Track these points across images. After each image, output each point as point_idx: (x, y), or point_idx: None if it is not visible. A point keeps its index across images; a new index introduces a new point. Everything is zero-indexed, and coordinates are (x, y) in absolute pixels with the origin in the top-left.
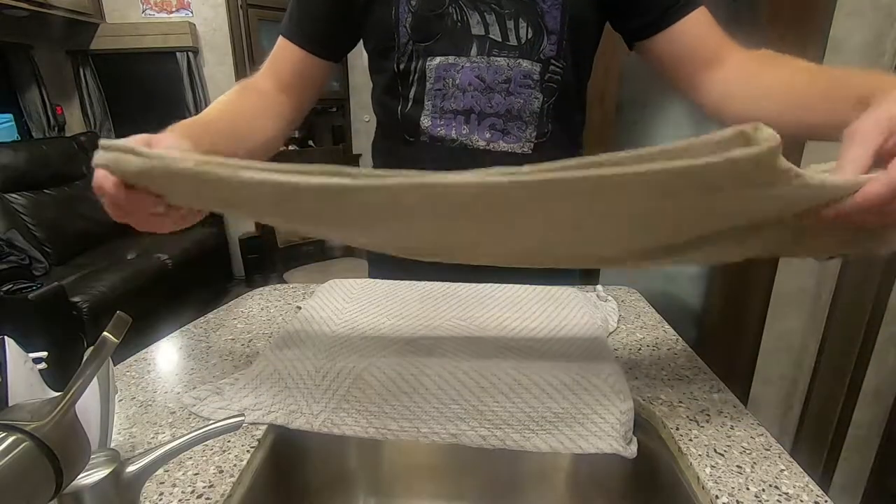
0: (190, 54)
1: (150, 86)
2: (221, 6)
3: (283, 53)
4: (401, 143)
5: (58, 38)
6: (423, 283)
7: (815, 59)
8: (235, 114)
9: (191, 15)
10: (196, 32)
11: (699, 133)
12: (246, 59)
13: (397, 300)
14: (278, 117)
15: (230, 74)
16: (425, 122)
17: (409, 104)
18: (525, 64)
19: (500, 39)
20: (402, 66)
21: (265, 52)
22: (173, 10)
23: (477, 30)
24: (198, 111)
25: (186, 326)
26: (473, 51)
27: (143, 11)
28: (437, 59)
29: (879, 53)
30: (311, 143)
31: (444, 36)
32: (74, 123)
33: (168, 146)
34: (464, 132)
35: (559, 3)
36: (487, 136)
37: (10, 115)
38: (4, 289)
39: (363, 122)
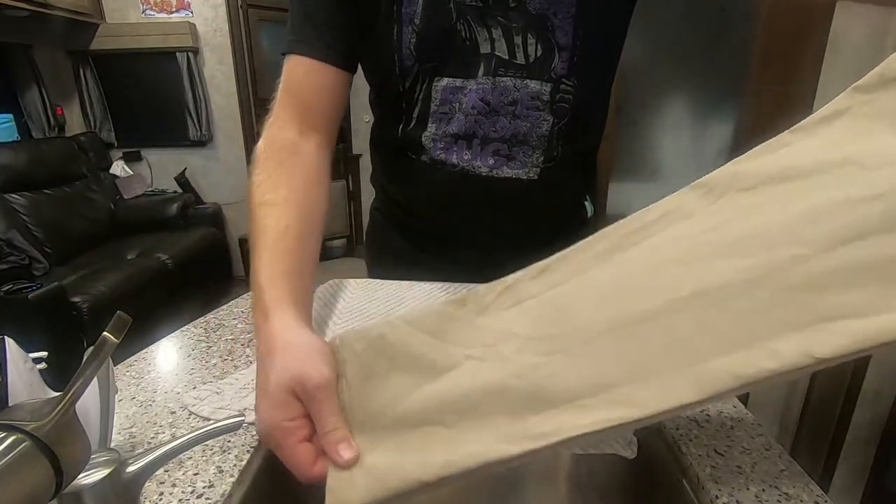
0: (190, 54)
1: (150, 86)
2: (221, 6)
3: (303, 75)
4: (403, 160)
5: (58, 38)
6: (422, 283)
7: (815, 57)
8: (294, 221)
9: (191, 15)
10: (196, 32)
11: (699, 133)
12: (246, 59)
13: (397, 300)
14: (322, 172)
15: (230, 74)
16: (427, 142)
17: (413, 123)
18: (533, 84)
19: (506, 57)
20: (406, 86)
21: (265, 52)
22: (173, 10)
23: (485, 48)
24: (198, 111)
25: (186, 326)
26: (480, 71)
27: (143, 11)
28: (445, 81)
29: (879, 51)
30: None
31: (452, 56)
32: (74, 123)
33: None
34: (465, 158)
35: (571, 17)
36: (490, 162)
37: (10, 116)
38: (4, 289)
39: (363, 123)
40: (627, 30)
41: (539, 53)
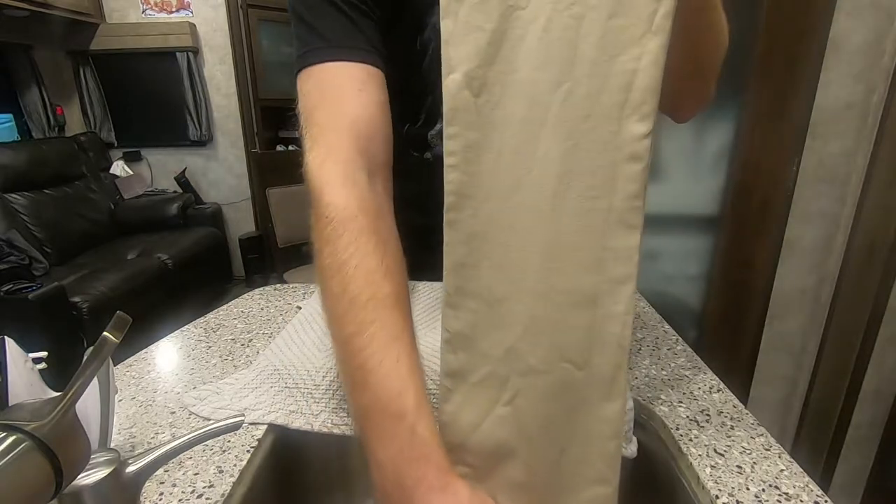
0: (190, 54)
1: (150, 86)
2: (221, 6)
3: (358, 90)
4: (406, 158)
5: (58, 38)
6: (423, 283)
7: (816, 59)
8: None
9: (191, 15)
10: (196, 32)
11: (699, 133)
12: (246, 59)
13: None
14: (397, 234)
15: (230, 74)
16: (433, 139)
17: (420, 121)
18: None
19: None
20: (418, 88)
21: (265, 52)
22: (173, 10)
23: None
24: (198, 111)
25: (186, 326)
26: None
27: (143, 11)
28: None
29: (879, 53)
30: None
31: None
32: (74, 123)
33: None
34: None
35: None
36: None
37: (10, 115)
38: (4, 289)
39: None
40: None
41: None
